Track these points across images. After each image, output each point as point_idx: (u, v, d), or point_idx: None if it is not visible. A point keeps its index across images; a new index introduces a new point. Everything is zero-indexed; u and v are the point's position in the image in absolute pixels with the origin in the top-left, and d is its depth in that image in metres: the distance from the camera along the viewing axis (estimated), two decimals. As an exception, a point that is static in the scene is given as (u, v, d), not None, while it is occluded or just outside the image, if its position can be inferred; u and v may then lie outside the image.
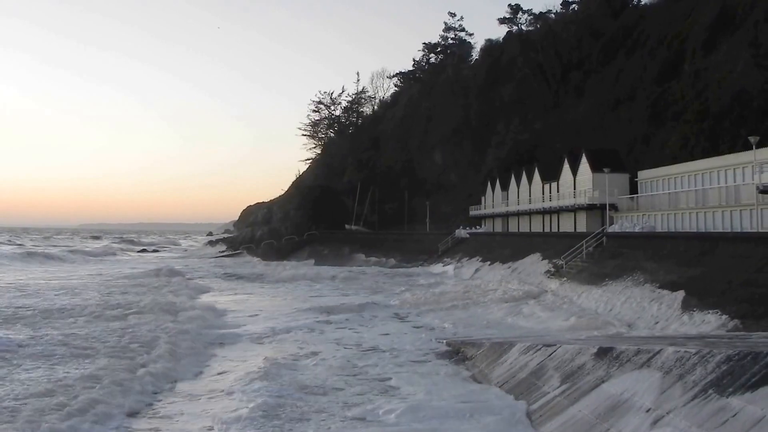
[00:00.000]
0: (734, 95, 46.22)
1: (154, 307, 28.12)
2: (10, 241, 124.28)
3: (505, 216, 66.78)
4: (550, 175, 57.05)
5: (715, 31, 55.44)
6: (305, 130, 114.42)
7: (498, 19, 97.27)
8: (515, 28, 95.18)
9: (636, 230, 37.98)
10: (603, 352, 12.95)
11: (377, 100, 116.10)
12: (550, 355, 14.57)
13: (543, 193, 58.27)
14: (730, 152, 40.13)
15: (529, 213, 60.67)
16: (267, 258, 77.79)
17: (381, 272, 56.29)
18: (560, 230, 53.87)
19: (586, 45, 76.86)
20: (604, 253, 35.53)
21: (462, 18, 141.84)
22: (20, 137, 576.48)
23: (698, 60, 55.49)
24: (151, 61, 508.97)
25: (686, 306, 22.60)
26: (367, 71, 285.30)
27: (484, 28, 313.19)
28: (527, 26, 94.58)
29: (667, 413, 9.52)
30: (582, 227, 48.98)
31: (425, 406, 13.22)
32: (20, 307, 28.44)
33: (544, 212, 57.95)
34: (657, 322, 22.88)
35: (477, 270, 49.38)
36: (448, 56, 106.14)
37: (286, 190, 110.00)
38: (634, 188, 47.45)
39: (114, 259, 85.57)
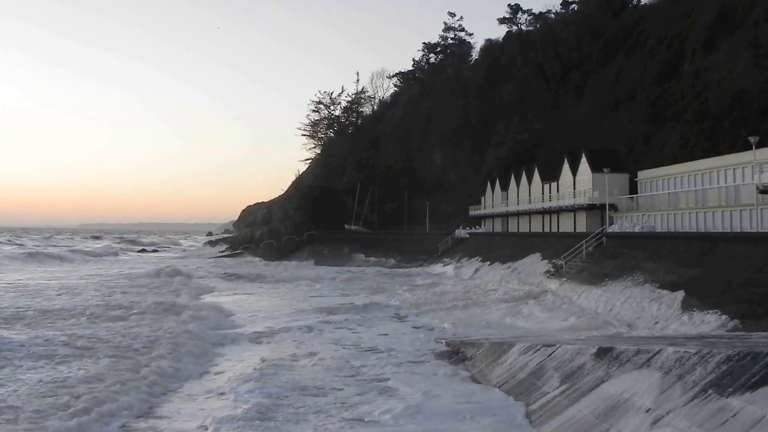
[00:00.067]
0: (734, 95, 46.22)
1: (157, 307, 28.19)
2: (10, 241, 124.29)
3: (505, 216, 66.78)
4: (550, 175, 57.04)
5: (715, 31, 55.44)
6: (305, 130, 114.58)
7: (498, 19, 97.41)
8: (515, 28, 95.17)
9: (636, 230, 37.98)
10: (603, 352, 12.94)
11: (377, 100, 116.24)
12: (549, 355, 14.56)
13: (543, 193, 58.26)
14: (729, 152, 40.12)
15: (529, 213, 60.66)
16: (267, 258, 77.81)
17: (381, 272, 56.28)
18: (560, 230, 53.87)
19: (586, 45, 76.86)
20: (603, 253, 35.52)
21: (462, 18, 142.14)
22: (20, 137, 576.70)
23: (698, 60, 55.49)
24: (151, 61, 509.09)
25: (686, 306, 22.59)
26: (366, 71, 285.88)
27: (484, 28, 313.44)
28: (527, 26, 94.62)
29: (666, 413, 9.51)
30: (582, 227, 48.98)
31: (423, 407, 13.19)
32: (21, 308, 28.44)
33: (543, 212, 57.95)
34: (657, 322, 22.87)
35: (477, 270, 49.37)
36: (448, 56, 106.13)
37: (285, 190, 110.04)
38: (633, 188, 47.45)
39: (116, 259, 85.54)
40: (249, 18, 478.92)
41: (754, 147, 31.75)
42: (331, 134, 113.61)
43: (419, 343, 21.04)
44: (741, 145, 38.85)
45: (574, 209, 51.88)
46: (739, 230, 32.90)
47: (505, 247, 51.52)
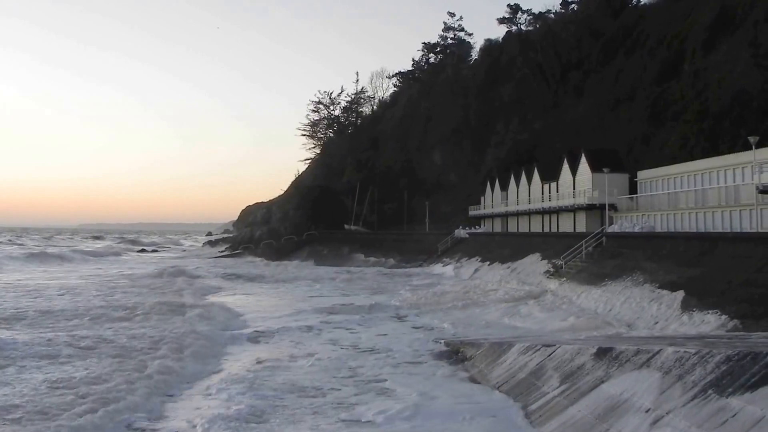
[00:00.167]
0: (734, 95, 46.20)
1: (162, 307, 28.26)
2: (10, 241, 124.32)
3: (505, 216, 66.74)
4: (550, 175, 57.01)
5: (714, 31, 55.42)
6: (304, 130, 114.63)
7: (497, 19, 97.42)
8: (515, 28, 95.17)
9: (635, 230, 37.94)
10: (602, 353, 12.92)
11: (376, 100, 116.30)
12: (549, 355, 14.53)
13: (542, 193, 58.23)
14: (729, 152, 40.10)
15: (529, 213, 60.63)
16: (266, 258, 77.80)
17: (380, 272, 56.25)
18: (559, 230, 53.84)
19: (586, 45, 76.83)
20: (603, 253, 35.50)
21: (461, 18, 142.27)
22: (20, 137, 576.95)
23: (698, 60, 55.47)
24: (151, 61, 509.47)
25: (686, 306, 22.56)
26: (366, 71, 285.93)
27: (484, 28, 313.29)
28: (527, 26, 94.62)
29: (666, 413, 9.49)
30: (581, 227, 48.94)
31: (421, 408, 13.16)
32: (23, 308, 28.47)
33: (543, 212, 57.92)
34: (656, 322, 22.84)
35: (476, 270, 49.34)
36: (448, 56, 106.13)
37: (285, 190, 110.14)
38: (633, 188, 47.41)
39: (118, 259, 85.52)
40: (249, 18, 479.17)
41: (753, 147, 31.72)
42: (331, 134, 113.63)
43: (418, 344, 21.00)
44: (741, 145, 38.82)
45: (573, 209, 51.85)
46: (739, 230, 32.86)
47: (504, 247, 51.50)
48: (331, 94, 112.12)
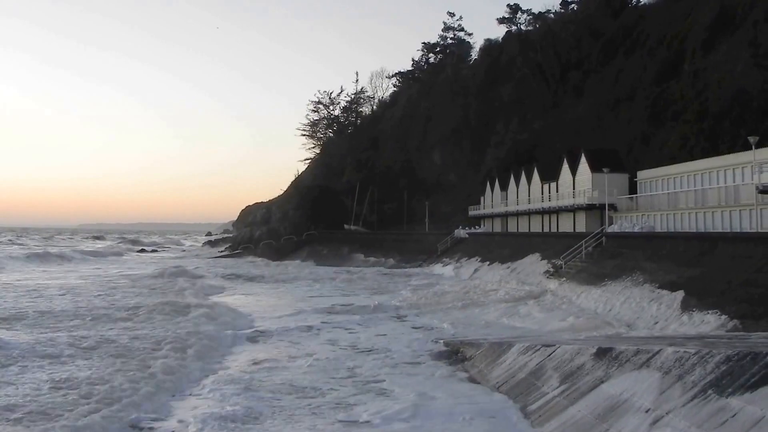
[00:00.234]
0: (734, 95, 46.18)
1: (165, 307, 28.26)
2: (11, 241, 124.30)
3: (505, 216, 66.73)
4: (550, 175, 57.00)
5: (714, 31, 55.40)
6: (304, 130, 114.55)
7: (497, 19, 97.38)
8: (514, 27, 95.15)
9: (635, 230, 37.93)
10: (602, 353, 12.91)
11: (376, 100, 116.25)
12: (549, 355, 14.52)
13: (542, 193, 58.22)
14: (729, 152, 40.08)
15: (528, 213, 60.62)
16: (266, 258, 77.77)
17: (380, 272, 56.24)
18: (559, 230, 53.83)
19: (586, 45, 76.82)
20: (603, 253, 35.49)
21: (461, 18, 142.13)
22: (20, 137, 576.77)
23: (698, 60, 55.46)
24: (151, 61, 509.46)
25: (685, 306, 22.56)
26: (366, 71, 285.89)
27: (483, 28, 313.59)
28: (526, 26, 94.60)
29: (666, 413, 9.48)
30: (581, 227, 48.93)
31: (420, 408, 13.13)
32: (24, 308, 28.45)
33: (543, 212, 57.90)
34: (656, 323, 22.84)
35: (476, 270, 49.33)
36: (447, 56, 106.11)
37: (285, 190, 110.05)
38: (633, 188, 47.40)
39: (119, 259, 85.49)
40: (249, 18, 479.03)
41: (753, 147, 31.71)
42: (331, 134, 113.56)
43: (418, 344, 20.99)
44: (741, 145, 38.81)
45: (573, 209, 51.84)
46: (738, 230, 32.85)
47: (504, 247, 51.49)
48: (330, 94, 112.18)
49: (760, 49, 47.43)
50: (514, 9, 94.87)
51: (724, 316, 20.28)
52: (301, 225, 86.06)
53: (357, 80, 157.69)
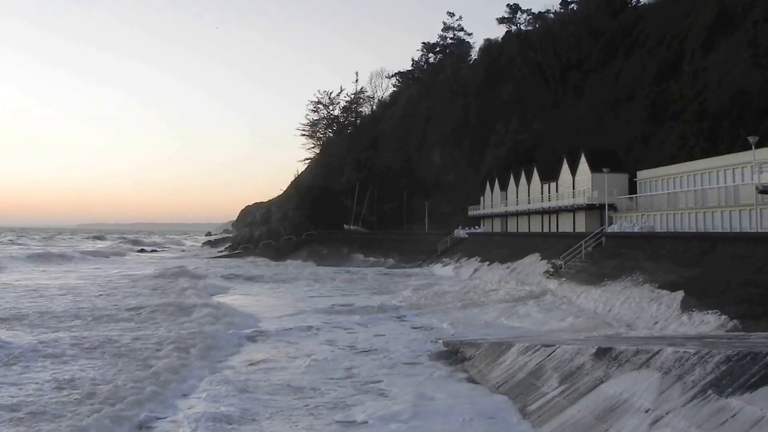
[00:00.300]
0: (733, 95, 46.17)
1: (167, 307, 28.31)
2: (11, 241, 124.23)
3: (504, 216, 66.74)
4: (549, 175, 57.01)
5: (714, 31, 55.41)
6: (304, 130, 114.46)
7: (497, 19, 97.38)
8: (514, 27, 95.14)
9: (635, 230, 37.94)
10: (602, 353, 12.90)
11: (376, 100, 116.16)
12: (549, 355, 14.51)
13: (542, 193, 58.24)
14: (729, 152, 40.08)
15: (528, 213, 60.63)
16: (266, 258, 77.73)
17: (380, 272, 56.22)
18: (559, 230, 53.84)
19: (586, 45, 76.82)
20: (603, 253, 35.49)
21: (461, 18, 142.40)
22: (20, 137, 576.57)
23: (697, 60, 55.47)
24: (151, 61, 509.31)
25: (685, 306, 22.55)
26: (365, 71, 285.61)
27: (483, 28, 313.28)
28: (526, 26, 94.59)
29: (666, 414, 9.47)
30: (581, 227, 48.94)
31: (419, 409, 13.10)
32: (26, 308, 28.47)
33: (543, 212, 57.91)
34: (656, 323, 22.83)
35: (476, 270, 49.33)
36: (447, 56, 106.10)
37: (284, 190, 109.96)
38: (633, 188, 47.41)
39: (120, 259, 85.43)
40: (249, 18, 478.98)
41: (753, 147, 31.71)
42: (330, 134, 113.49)
43: (417, 344, 20.97)
44: (740, 145, 38.81)
45: (573, 209, 51.85)
46: (738, 230, 32.86)
47: (504, 247, 51.50)
48: (330, 93, 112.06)
49: (759, 49, 47.44)
50: (514, 9, 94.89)
51: (723, 316, 20.28)
52: (300, 225, 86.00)
53: (357, 80, 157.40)
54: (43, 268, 60.13)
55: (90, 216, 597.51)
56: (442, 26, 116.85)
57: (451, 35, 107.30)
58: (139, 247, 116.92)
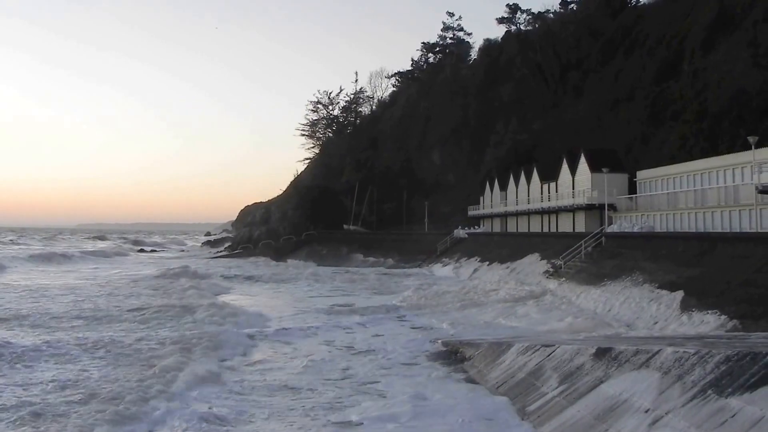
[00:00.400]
0: (733, 95, 46.17)
1: (169, 308, 28.31)
2: (12, 241, 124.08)
3: (504, 216, 66.75)
4: (549, 175, 57.01)
5: (714, 30, 55.41)
6: (303, 130, 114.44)
7: (496, 19, 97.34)
8: (514, 27, 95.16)
9: (635, 230, 37.93)
10: (602, 353, 12.89)
11: (375, 100, 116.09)
12: (548, 355, 14.51)
13: (542, 193, 58.24)
14: (728, 152, 40.08)
15: (528, 213, 60.64)
16: (265, 258, 77.70)
17: (379, 272, 56.21)
18: (559, 230, 53.84)
19: (585, 45, 76.83)
20: (602, 253, 35.48)
21: (460, 18, 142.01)
22: (20, 137, 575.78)
23: (697, 60, 55.48)
24: (151, 61, 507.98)
25: (685, 306, 22.55)
26: (365, 71, 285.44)
27: (483, 28, 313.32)
28: (526, 26, 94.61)
29: (665, 414, 9.47)
30: (581, 227, 48.94)
31: (417, 409, 13.06)
32: (27, 309, 28.47)
33: (542, 212, 57.92)
34: (656, 323, 22.83)
35: (475, 270, 49.32)
36: (447, 56, 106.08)
37: (284, 190, 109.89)
38: (632, 188, 47.41)
39: (121, 259, 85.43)
40: (249, 18, 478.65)
41: (753, 147, 31.71)
42: (330, 134, 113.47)
43: (417, 344, 20.95)
44: (740, 145, 38.80)
45: (573, 209, 51.85)
46: (738, 230, 32.86)
47: (503, 247, 51.50)
48: (330, 93, 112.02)
49: (759, 49, 47.44)
50: (514, 9, 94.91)
51: (723, 316, 20.28)
52: (300, 225, 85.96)
53: (356, 80, 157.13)
54: (44, 269, 60.12)
55: (90, 216, 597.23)
56: (441, 26, 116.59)
57: (451, 35, 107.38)
58: (140, 247, 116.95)
